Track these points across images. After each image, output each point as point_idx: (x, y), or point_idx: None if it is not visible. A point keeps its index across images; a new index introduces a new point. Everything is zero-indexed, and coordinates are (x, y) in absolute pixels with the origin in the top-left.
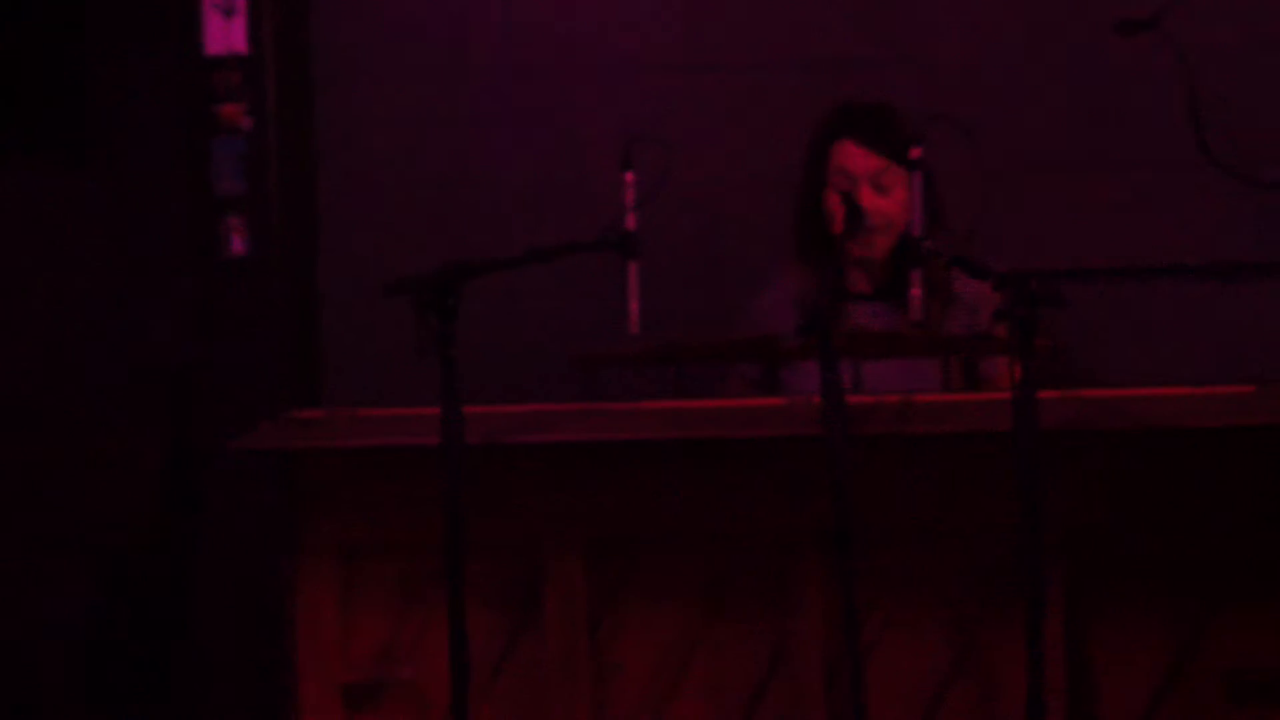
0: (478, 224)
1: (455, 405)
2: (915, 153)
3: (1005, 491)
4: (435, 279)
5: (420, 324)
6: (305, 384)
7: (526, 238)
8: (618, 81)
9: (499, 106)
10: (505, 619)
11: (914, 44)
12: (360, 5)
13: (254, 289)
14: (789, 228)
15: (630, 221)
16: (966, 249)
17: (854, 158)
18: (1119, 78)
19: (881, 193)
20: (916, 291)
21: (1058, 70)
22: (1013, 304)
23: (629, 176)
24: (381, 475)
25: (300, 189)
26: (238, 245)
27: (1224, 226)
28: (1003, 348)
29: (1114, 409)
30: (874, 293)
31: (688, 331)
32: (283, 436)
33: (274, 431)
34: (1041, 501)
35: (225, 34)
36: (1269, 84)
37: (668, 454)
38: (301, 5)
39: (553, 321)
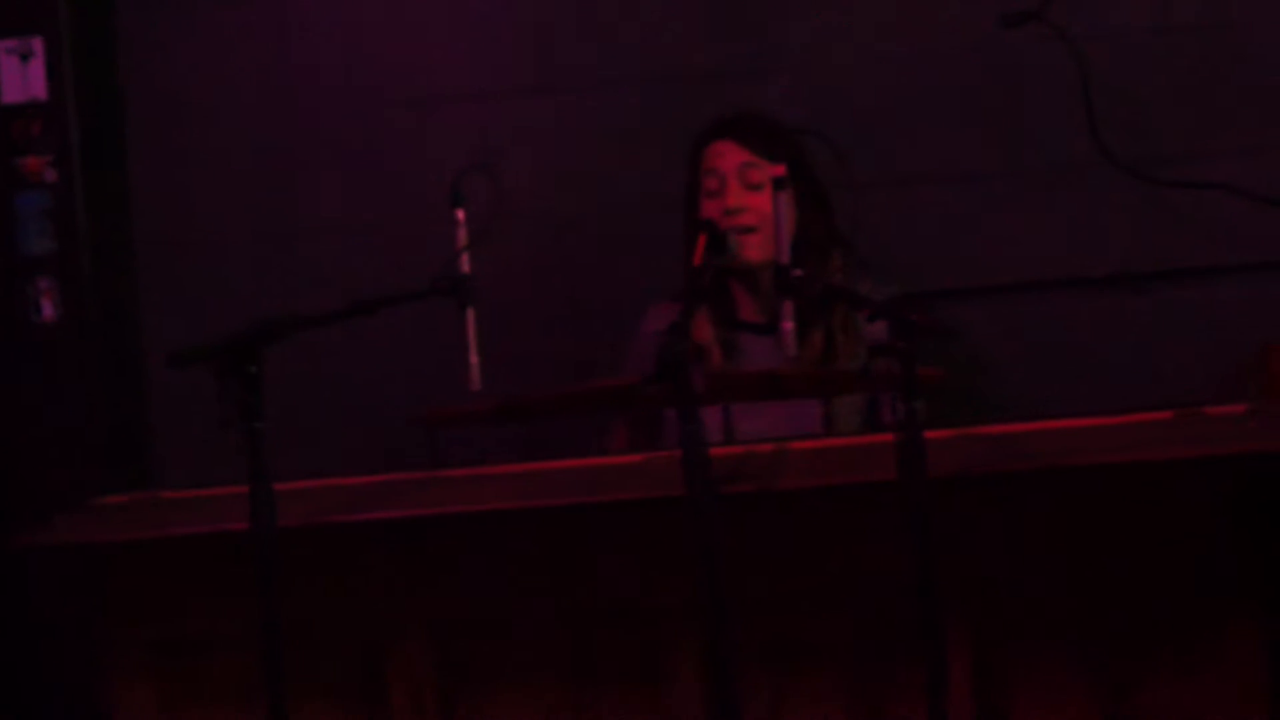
0: (311, 275)
1: (264, 483)
2: (778, 170)
3: (898, 545)
4: (232, 344)
5: (223, 393)
6: (129, 462)
7: (364, 287)
8: (448, 113)
9: (326, 146)
10: (348, 712)
11: (780, 53)
12: (173, 45)
13: (68, 358)
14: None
15: (464, 264)
16: (857, 274)
17: (722, 155)
18: (1008, 76)
19: (753, 189)
20: (789, 324)
21: (942, 71)
22: (892, 336)
23: (460, 214)
24: (194, 563)
25: (115, 246)
26: (48, 310)
27: (1130, 233)
28: (885, 384)
29: (1013, 446)
30: (767, 323)
31: (536, 383)
32: (74, 528)
33: (67, 523)
34: (935, 556)
35: (22, 80)
36: (1167, 74)
37: (518, 523)
38: (107, 46)
39: (392, 380)
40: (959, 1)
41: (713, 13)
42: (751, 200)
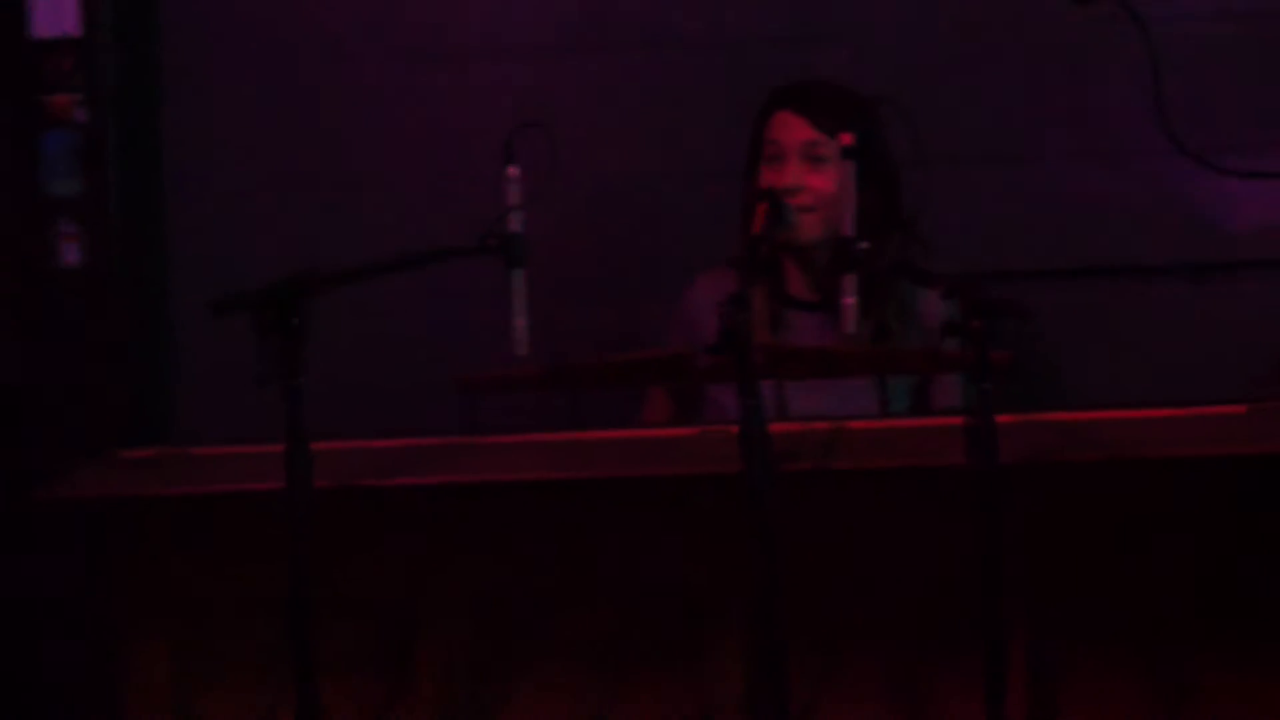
0: (346, 228)
1: (301, 443)
2: (846, 139)
3: (958, 533)
4: (275, 293)
5: (261, 347)
6: (152, 414)
7: (401, 242)
8: (502, 66)
9: (370, 95)
10: (375, 686)
11: (843, 22)
12: None
13: (91, 304)
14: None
15: (514, 223)
16: (919, 254)
17: (785, 127)
18: (1075, 56)
19: (815, 167)
20: (849, 300)
21: (1004, 50)
22: (965, 315)
23: (512, 171)
24: (220, 524)
25: (144, 191)
26: (71, 254)
27: (1193, 221)
28: (953, 364)
29: (1085, 435)
30: (820, 300)
31: (584, 350)
32: (97, 482)
33: (88, 476)
34: (1002, 545)
35: (55, 13)
36: (1235, 62)
37: (563, 495)
38: None
39: (433, 340)
40: None
41: None
42: (811, 179)
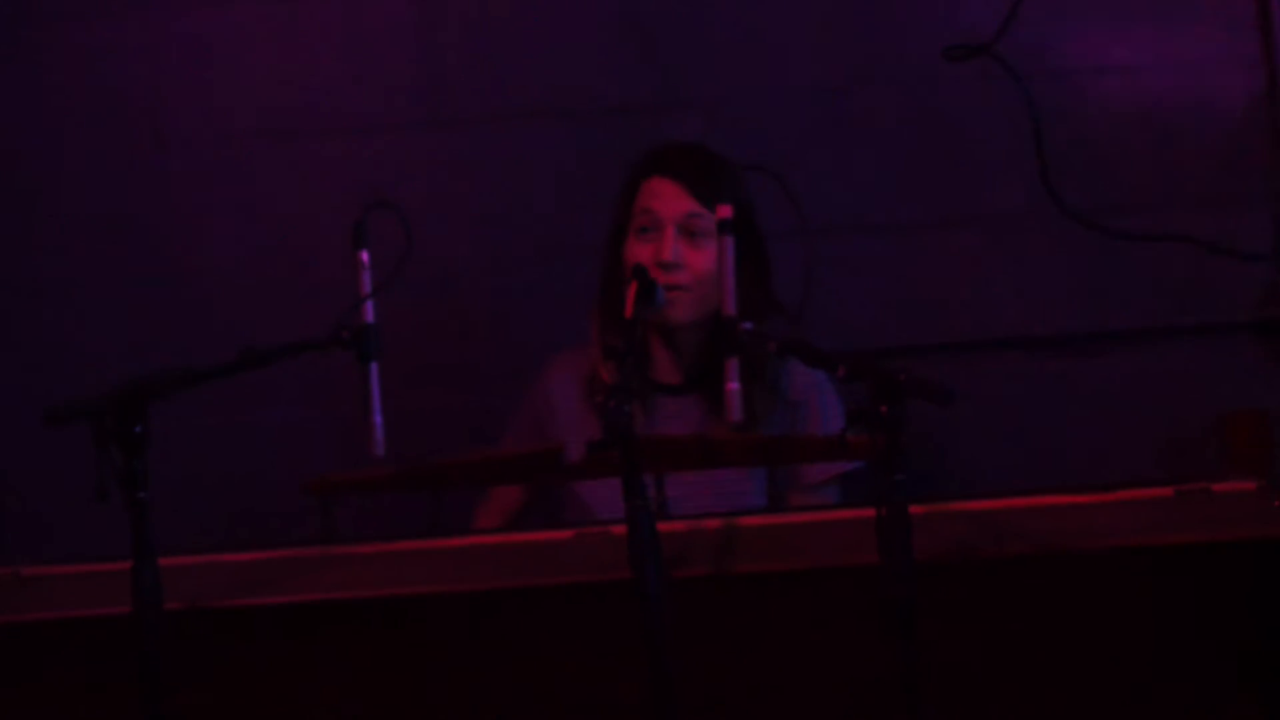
0: (190, 327)
1: (149, 562)
2: (724, 211)
3: (868, 637)
4: (115, 400)
5: (101, 459)
6: None
7: (252, 338)
8: (342, 143)
9: (207, 184)
10: None
11: (694, 89)
12: (28, 64)
13: None
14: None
15: (368, 313)
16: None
17: (660, 197)
18: (948, 116)
19: (692, 242)
20: (733, 386)
21: (873, 112)
22: (875, 399)
23: (364, 256)
24: (61, 653)
25: None
26: None
27: (1079, 289)
28: (859, 453)
29: (1000, 526)
30: (682, 383)
31: (437, 442)
32: None
33: None
34: (920, 649)
35: None
36: (1117, 116)
37: (434, 608)
38: None
39: (289, 441)
40: (893, 32)
41: (620, 44)
42: (689, 256)
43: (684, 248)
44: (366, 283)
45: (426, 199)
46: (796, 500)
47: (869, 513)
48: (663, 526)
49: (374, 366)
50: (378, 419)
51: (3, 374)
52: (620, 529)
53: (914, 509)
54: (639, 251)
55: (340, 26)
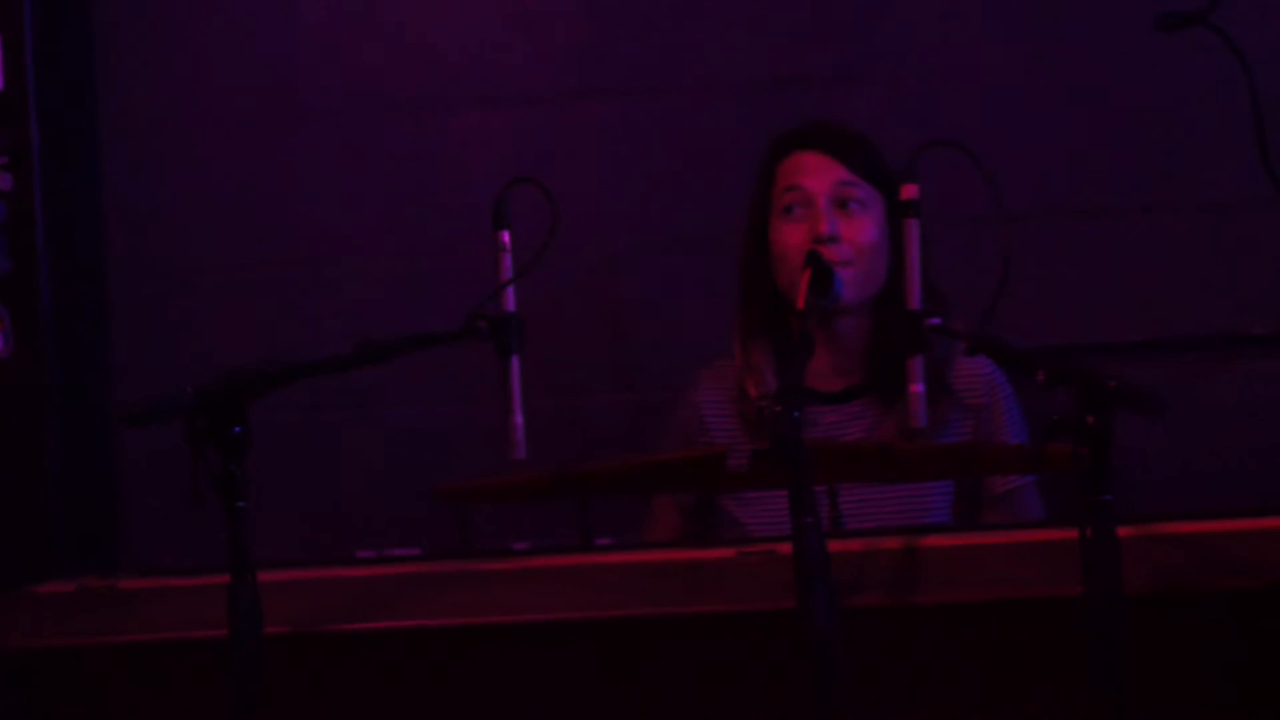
0: (313, 314)
1: (246, 580)
2: (909, 191)
3: (1066, 679)
4: (210, 397)
5: (196, 462)
6: (95, 539)
7: (378, 324)
8: (488, 116)
9: (336, 160)
10: None
11: (871, 59)
12: (161, 38)
13: (21, 404)
14: (731, 297)
15: (509, 301)
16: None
17: (807, 169)
18: (1154, 93)
19: (847, 213)
20: (918, 388)
21: (1067, 87)
22: (1082, 408)
23: (505, 236)
24: (150, 677)
25: (82, 270)
26: None
27: None
28: (1058, 466)
29: (1222, 554)
30: (842, 390)
31: (591, 450)
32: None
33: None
34: (1126, 696)
35: None
36: None
37: (580, 634)
38: (81, 33)
39: (413, 443)
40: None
41: (795, 10)
42: (846, 228)
43: (840, 219)
44: (507, 267)
45: (578, 176)
46: (990, 517)
47: (1071, 533)
48: (835, 546)
49: (515, 360)
50: (518, 419)
51: (129, 359)
52: (786, 548)
53: (1122, 532)
54: (788, 234)
55: None
